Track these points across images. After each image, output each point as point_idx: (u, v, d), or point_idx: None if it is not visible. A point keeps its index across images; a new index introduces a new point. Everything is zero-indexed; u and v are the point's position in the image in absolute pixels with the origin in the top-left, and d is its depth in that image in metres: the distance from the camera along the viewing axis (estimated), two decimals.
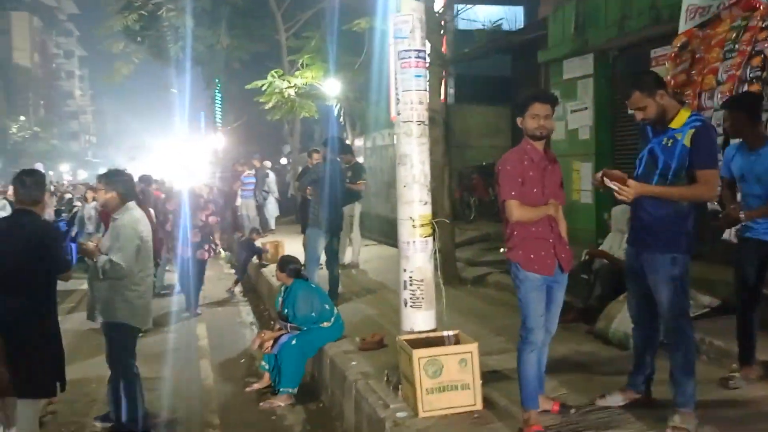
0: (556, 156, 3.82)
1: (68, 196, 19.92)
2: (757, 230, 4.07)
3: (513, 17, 15.88)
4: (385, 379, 4.53)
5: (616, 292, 5.36)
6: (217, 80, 23.02)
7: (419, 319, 4.33)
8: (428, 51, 8.11)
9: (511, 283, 3.79)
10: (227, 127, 24.55)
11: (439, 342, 4.15)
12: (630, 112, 3.68)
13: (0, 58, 51.08)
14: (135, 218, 4.52)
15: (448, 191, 8.29)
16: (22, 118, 48.00)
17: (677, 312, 3.52)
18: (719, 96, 5.29)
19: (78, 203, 15.61)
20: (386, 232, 11.88)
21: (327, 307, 5.87)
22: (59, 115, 64.38)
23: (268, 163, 16.12)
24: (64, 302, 8.54)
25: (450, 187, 8.47)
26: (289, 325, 5.74)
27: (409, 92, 4.25)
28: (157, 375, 6.15)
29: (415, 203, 4.31)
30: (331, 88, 13.78)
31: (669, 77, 5.81)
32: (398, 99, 4.31)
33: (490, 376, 4.34)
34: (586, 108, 8.95)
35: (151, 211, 9.25)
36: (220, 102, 25.67)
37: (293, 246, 10.02)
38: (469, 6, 12.52)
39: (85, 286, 5.45)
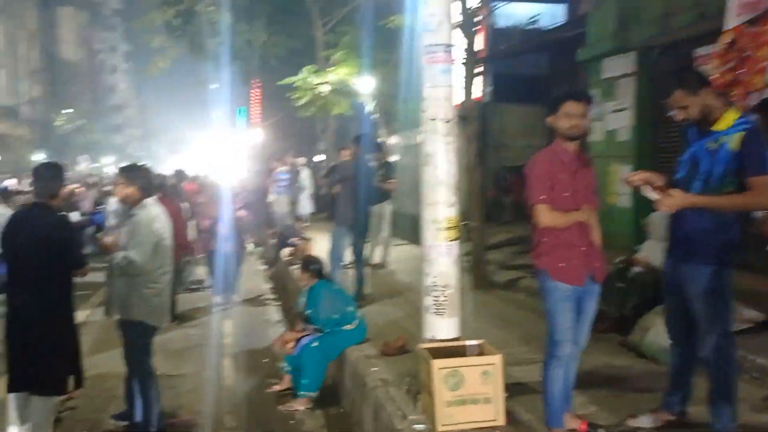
0: (591, 158, 3.59)
1: (107, 188, 20.20)
2: None
3: (553, 14, 15.48)
4: (405, 388, 4.36)
5: (653, 303, 5.08)
6: (256, 77, 23.16)
7: (442, 327, 4.11)
8: (464, 47, 7.99)
9: None
10: (264, 123, 24.67)
11: (461, 351, 3.93)
12: (671, 112, 3.43)
13: (47, 52, 52.30)
14: (152, 216, 4.42)
15: (481, 192, 8.08)
16: (68, 110, 49.02)
17: (719, 330, 3.26)
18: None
19: None
20: (418, 232, 11.65)
21: (350, 309, 5.74)
22: (104, 108, 65.65)
23: (302, 160, 16.09)
24: (94, 295, 8.56)
25: (482, 188, 8.26)
26: (311, 326, 5.62)
27: (436, 88, 4.05)
28: (178, 372, 6.11)
29: (439, 205, 4.11)
30: (365, 84, 13.65)
31: (717, 76, 5.52)
32: (424, 95, 4.12)
33: (514, 389, 4.13)
34: (626, 108, 8.63)
35: (185, 205, 9.27)
36: (256, 98, 25.79)
37: (324, 244, 9.90)
38: (504, 2, 12.20)
39: None
